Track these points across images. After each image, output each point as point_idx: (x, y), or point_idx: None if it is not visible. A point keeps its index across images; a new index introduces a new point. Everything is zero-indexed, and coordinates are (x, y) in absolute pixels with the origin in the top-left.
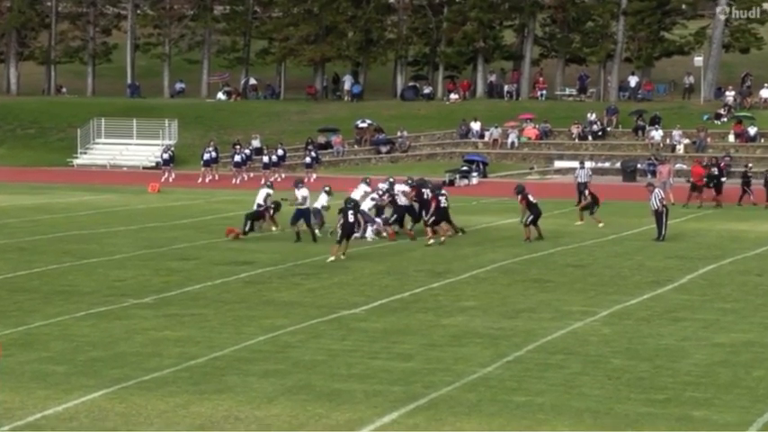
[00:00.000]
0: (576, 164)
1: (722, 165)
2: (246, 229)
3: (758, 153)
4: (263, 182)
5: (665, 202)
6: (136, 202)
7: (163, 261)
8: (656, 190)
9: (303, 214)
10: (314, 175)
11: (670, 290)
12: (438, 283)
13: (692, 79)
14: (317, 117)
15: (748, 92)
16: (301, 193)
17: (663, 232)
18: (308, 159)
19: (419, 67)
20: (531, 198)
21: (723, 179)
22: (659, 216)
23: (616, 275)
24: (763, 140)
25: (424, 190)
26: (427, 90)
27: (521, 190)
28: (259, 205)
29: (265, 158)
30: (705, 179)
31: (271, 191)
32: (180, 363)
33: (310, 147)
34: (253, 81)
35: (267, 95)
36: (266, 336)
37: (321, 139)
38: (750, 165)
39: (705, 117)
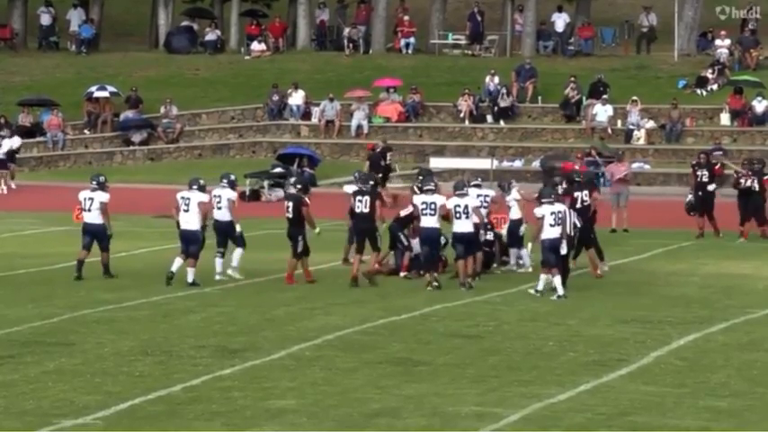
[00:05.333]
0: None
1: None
2: None
3: None
4: None
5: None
6: None
7: None
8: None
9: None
10: (12, 184)
11: (624, 376)
12: (232, 369)
13: (653, 19)
14: (16, 81)
15: (754, 41)
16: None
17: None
18: None
19: None
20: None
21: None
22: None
23: (534, 352)
24: None
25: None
26: (212, 35)
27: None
28: None
29: None
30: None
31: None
32: None
33: (4, 132)
34: None
35: None
36: None
37: (24, 119)
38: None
39: (681, 83)
